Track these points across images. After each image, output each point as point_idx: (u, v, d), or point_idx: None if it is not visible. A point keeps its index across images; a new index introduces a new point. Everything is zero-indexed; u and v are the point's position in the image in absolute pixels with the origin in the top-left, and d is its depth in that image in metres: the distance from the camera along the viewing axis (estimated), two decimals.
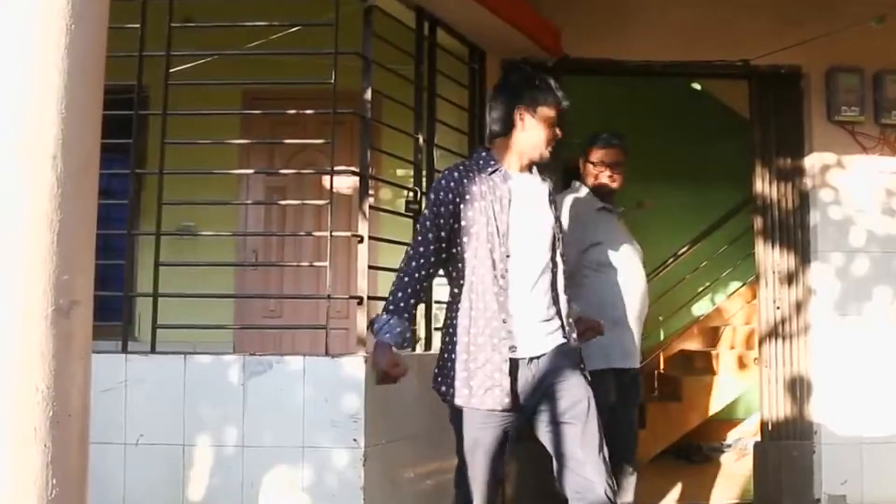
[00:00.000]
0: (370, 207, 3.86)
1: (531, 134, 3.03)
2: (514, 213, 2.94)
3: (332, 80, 3.75)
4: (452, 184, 2.98)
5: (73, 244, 1.40)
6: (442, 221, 2.95)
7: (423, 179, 4.31)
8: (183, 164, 4.26)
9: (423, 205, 4.29)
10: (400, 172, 4.75)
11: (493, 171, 3.00)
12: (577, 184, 4.31)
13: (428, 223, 2.97)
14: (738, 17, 5.09)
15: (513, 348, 2.87)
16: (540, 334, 2.95)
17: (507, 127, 3.04)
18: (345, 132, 4.45)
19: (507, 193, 2.96)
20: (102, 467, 3.37)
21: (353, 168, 3.98)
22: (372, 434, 3.47)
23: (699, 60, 5.14)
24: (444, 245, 2.96)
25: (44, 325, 1.37)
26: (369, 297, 3.81)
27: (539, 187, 3.09)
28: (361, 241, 3.79)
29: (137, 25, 3.90)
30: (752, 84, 5.24)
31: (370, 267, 3.86)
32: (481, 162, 3.04)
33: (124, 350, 3.76)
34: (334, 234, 3.80)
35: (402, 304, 2.92)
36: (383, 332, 2.87)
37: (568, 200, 4.20)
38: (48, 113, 1.37)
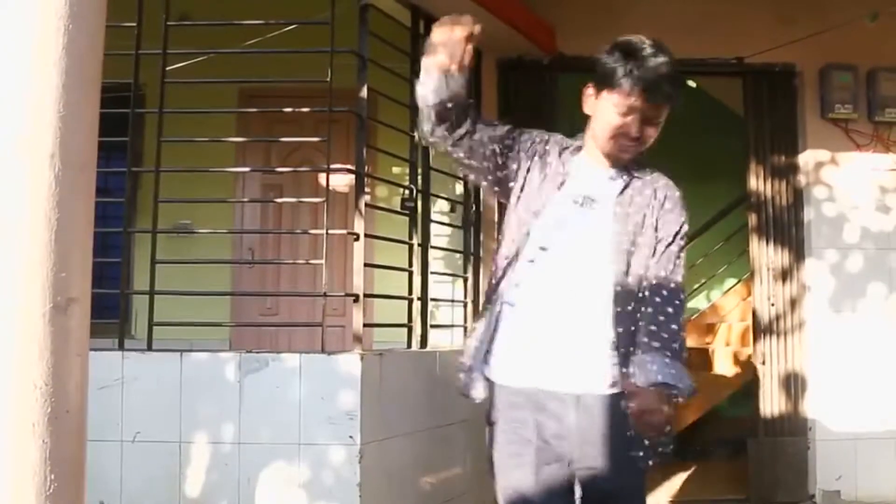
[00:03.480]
0: (366, 205, 3.88)
1: (597, 118, 2.38)
2: (559, 200, 2.39)
3: (328, 79, 3.77)
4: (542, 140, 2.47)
5: (70, 242, 1.41)
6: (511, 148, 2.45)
7: (419, 177, 4.33)
8: (179, 162, 4.27)
9: (419, 203, 4.31)
10: (396, 170, 4.76)
11: (568, 148, 2.46)
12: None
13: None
14: (732, 14, 5.10)
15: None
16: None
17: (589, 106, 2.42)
18: (341, 130, 4.46)
19: (563, 174, 2.42)
20: (99, 465, 3.38)
21: (349, 166, 3.99)
22: (368, 431, 3.48)
23: (693, 58, 5.15)
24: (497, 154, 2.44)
25: (42, 323, 1.38)
26: (365, 295, 3.82)
27: (610, 187, 2.41)
28: (357, 238, 3.80)
29: (134, 23, 3.91)
30: (747, 81, 5.27)
31: (366, 264, 3.87)
32: (575, 136, 2.50)
33: (121, 347, 3.77)
34: (330, 231, 3.81)
35: None
36: None
37: None
38: (46, 112, 1.38)
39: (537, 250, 2.36)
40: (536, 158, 2.43)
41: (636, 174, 2.44)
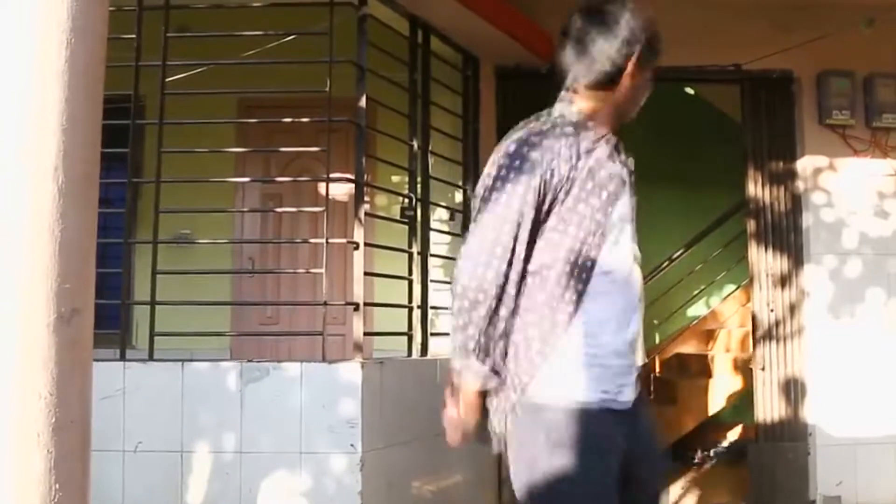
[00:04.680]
0: (366, 214, 3.89)
1: (636, 92, 2.24)
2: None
3: (327, 89, 3.78)
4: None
5: (74, 253, 1.43)
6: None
7: (418, 186, 4.34)
8: (179, 173, 4.29)
9: (418, 211, 4.32)
10: (395, 179, 4.78)
11: (575, 144, 2.14)
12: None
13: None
14: (729, 22, 5.12)
15: None
16: None
17: (615, 76, 2.18)
18: (340, 140, 4.47)
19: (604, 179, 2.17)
20: (102, 475, 3.38)
21: (348, 175, 4.01)
22: (369, 439, 3.49)
23: (692, 65, 5.17)
24: None
25: (46, 333, 1.39)
26: (365, 304, 3.83)
27: (619, 158, 2.29)
28: (357, 247, 3.81)
29: (134, 35, 3.93)
30: (744, 88, 5.28)
31: (366, 273, 3.88)
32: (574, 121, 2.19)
33: (122, 358, 3.78)
34: (330, 240, 3.82)
35: None
36: None
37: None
38: (49, 125, 1.39)
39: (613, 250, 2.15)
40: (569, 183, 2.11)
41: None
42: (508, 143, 2.15)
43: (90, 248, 1.49)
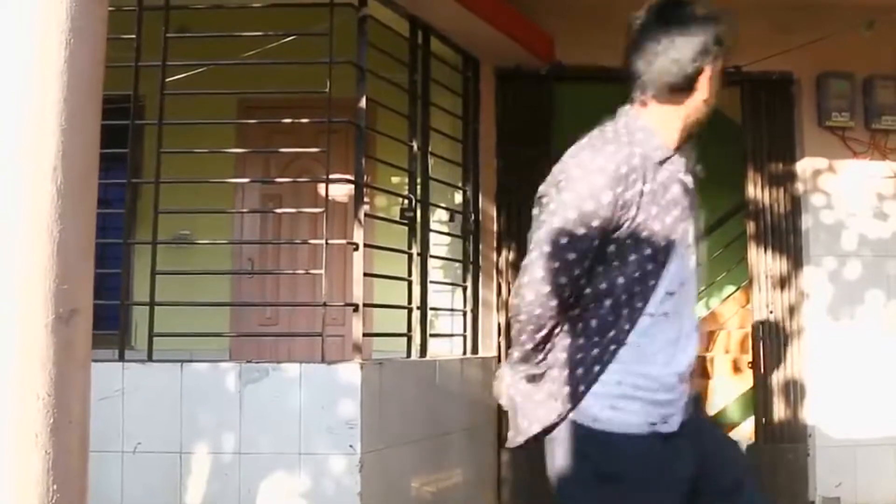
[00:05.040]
0: (365, 215, 3.89)
1: (710, 93, 2.05)
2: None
3: (327, 89, 3.78)
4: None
5: (72, 254, 1.42)
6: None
7: (418, 187, 4.34)
8: (179, 173, 4.29)
9: (418, 212, 4.32)
10: (395, 180, 4.78)
11: (650, 158, 1.99)
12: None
13: None
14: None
15: None
16: None
17: (692, 80, 1.99)
18: (339, 140, 4.47)
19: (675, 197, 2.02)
20: (100, 475, 3.38)
21: (348, 176, 4.01)
22: (368, 440, 3.49)
23: None
24: None
25: (44, 334, 1.39)
26: (365, 305, 3.83)
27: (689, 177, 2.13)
28: (357, 248, 3.81)
29: (134, 36, 3.93)
30: (744, 90, 5.29)
31: (366, 274, 3.88)
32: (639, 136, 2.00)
33: (121, 358, 3.78)
34: (330, 241, 3.82)
35: None
36: None
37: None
38: (48, 125, 1.39)
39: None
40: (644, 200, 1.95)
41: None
42: (574, 154, 1.99)
43: (89, 248, 1.49)
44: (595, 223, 1.89)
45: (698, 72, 1.98)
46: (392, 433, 3.71)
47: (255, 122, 5.01)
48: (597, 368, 1.93)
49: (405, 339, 4.20)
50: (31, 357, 1.38)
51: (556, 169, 2.01)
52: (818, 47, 4.81)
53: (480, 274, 4.86)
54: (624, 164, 1.91)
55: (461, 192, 4.79)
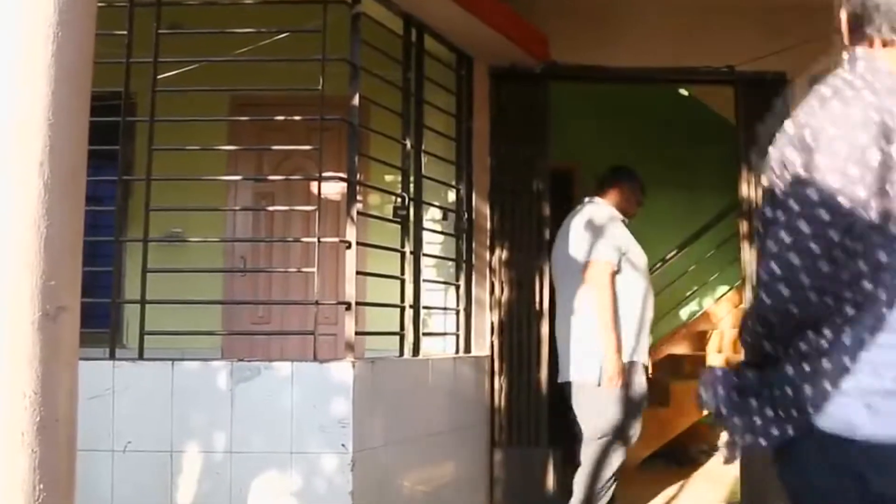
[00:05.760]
0: (358, 213, 3.88)
1: None
2: None
3: (320, 87, 3.77)
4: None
5: (60, 250, 1.41)
6: None
7: (411, 185, 4.33)
8: (170, 171, 4.27)
9: (411, 211, 4.31)
10: (388, 178, 4.77)
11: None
12: (596, 199, 4.57)
13: None
14: (723, 24, 5.12)
15: None
16: None
17: None
18: (332, 138, 4.46)
19: None
20: (90, 475, 3.37)
21: (340, 174, 3.99)
22: (360, 439, 3.48)
23: (686, 66, 5.17)
24: None
25: (31, 331, 1.37)
26: (357, 303, 3.82)
27: None
28: (349, 246, 3.80)
29: (125, 32, 3.91)
30: (738, 90, 5.28)
31: (358, 272, 3.86)
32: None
33: (112, 357, 3.75)
34: (322, 240, 3.81)
35: None
36: None
37: (604, 212, 4.48)
38: (35, 120, 1.38)
39: None
40: None
41: None
42: (815, 110, 1.59)
43: (77, 244, 1.47)
44: (862, 192, 1.49)
45: None
46: (384, 432, 3.70)
47: (248, 120, 4.99)
48: (837, 371, 1.57)
49: (398, 337, 4.19)
50: (17, 354, 1.36)
51: (791, 130, 1.60)
52: (812, 48, 4.81)
53: (474, 273, 4.85)
54: (887, 114, 1.51)
55: (454, 190, 4.78)
